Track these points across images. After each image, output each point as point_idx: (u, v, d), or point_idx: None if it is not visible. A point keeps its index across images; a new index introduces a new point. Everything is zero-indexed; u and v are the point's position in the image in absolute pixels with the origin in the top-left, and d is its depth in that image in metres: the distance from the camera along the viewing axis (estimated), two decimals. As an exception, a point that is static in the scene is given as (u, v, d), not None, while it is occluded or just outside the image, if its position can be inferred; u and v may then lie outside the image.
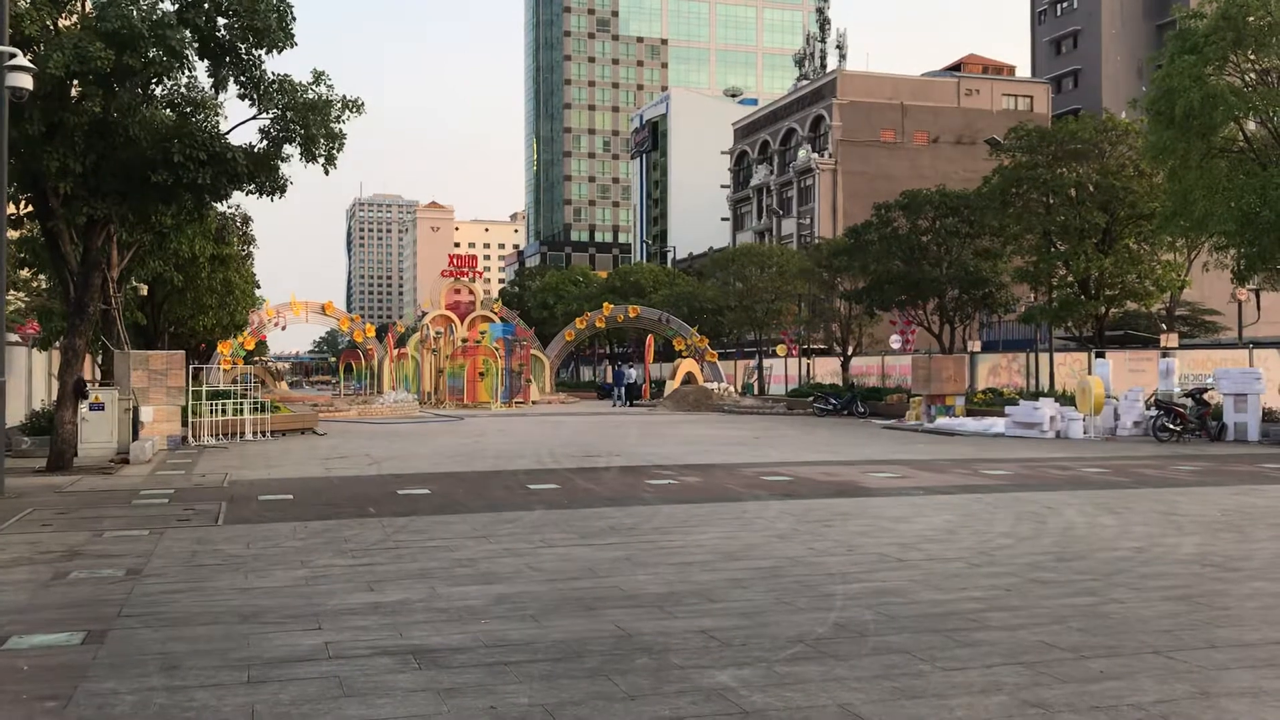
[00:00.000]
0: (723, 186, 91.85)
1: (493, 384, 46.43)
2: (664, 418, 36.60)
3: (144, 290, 28.43)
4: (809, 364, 48.08)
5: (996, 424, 26.27)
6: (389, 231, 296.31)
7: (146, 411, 21.16)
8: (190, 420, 23.62)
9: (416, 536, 10.26)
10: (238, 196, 45.07)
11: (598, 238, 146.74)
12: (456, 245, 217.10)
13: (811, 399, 37.53)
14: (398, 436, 26.49)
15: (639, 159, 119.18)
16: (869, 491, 13.96)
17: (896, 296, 37.81)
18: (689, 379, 48.94)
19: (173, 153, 16.19)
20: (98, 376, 24.85)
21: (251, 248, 35.97)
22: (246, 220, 34.74)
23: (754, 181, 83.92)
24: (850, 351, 43.54)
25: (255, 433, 25.03)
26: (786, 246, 62.63)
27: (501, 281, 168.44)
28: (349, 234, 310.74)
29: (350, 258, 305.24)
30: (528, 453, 20.67)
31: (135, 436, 20.19)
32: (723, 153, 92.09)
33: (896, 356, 42.74)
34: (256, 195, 17.93)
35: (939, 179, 52.21)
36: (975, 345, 39.25)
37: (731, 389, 46.63)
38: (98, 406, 18.59)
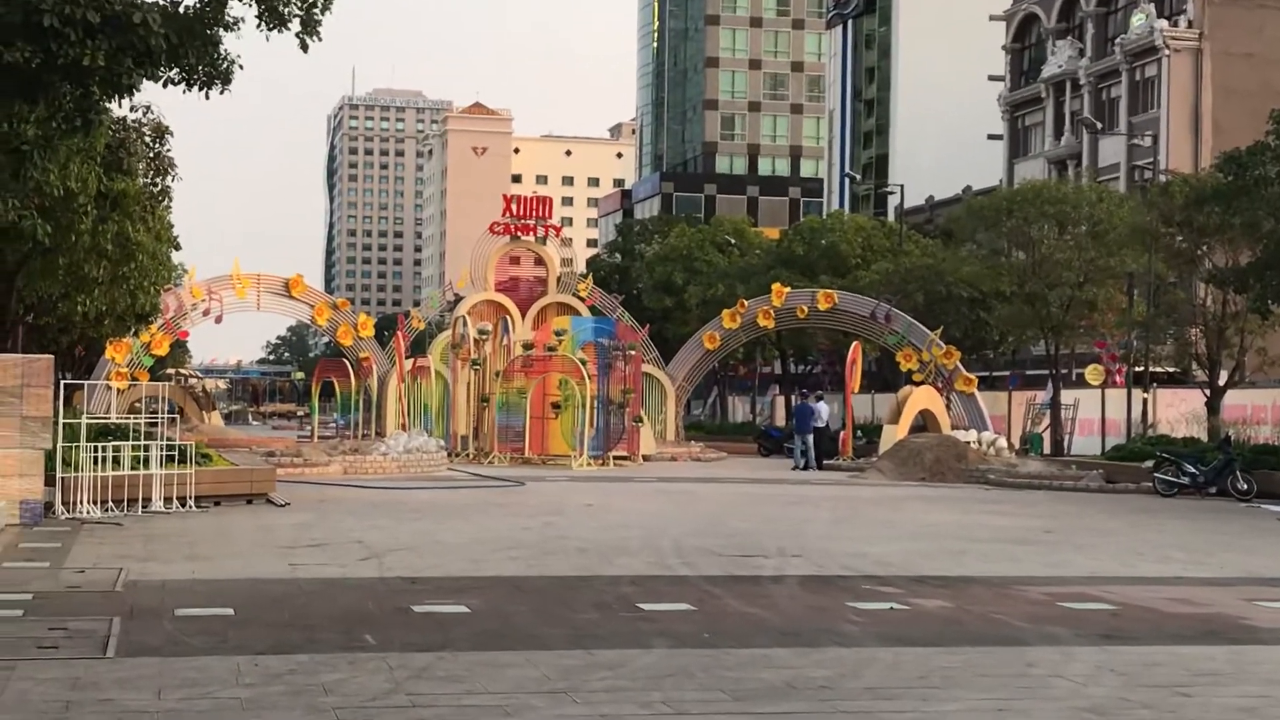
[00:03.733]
0: (991, 79, 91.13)
1: (575, 423, 46.67)
2: (879, 491, 36.42)
3: (-12, 250, 29.36)
4: (1146, 400, 47.26)
5: None
6: (400, 155, 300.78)
7: (-12, 458, 21.68)
8: (60, 475, 24.17)
9: (448, 688, 10.36)
10: (150, 90, 45.97)
11: (763, 169, 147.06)
12: (516, 180, 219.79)
13: (1151, 464, 36.92)
14: (412, 512, 26.78)
15: (840, 29, 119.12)
16: (1259, 635, 13.83)
17: (1310, 281, 37.04)
18: (924, 422, 48.52)
19: (43, 11, 16.66)
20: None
21: (169, 180, 36.82)
22: (161, 134, 35.57)
23: (1047, 72, 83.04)
24: (1224, 380, 42.68)
25: (169, 499, 25.52)
26: (1107, 187, 61.60)
27: (593, 244, 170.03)
28: (331, 159, 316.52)
29: (333, 201, 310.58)
30: (637, 546, 20.74)
31: (-31, 500, 20.74)
32: (992, 19, 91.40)
33: (1308, 391, 41.71)
34: (183, 88, 18.32)
35: (1392, 67, 50.91)
36: None
37: (1002, 442, 46.11)
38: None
